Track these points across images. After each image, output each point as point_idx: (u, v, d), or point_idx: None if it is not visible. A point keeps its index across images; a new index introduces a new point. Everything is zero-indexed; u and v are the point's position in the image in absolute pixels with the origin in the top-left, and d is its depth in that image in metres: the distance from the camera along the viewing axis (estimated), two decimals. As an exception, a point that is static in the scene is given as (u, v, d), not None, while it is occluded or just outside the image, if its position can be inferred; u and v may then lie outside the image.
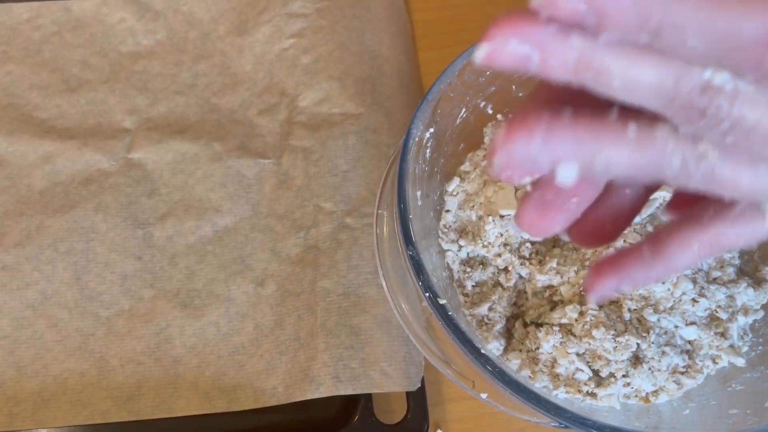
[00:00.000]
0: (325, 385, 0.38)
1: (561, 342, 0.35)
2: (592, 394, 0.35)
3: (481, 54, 0.17)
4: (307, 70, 0.47)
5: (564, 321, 0.36)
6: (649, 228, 0.38)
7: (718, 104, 0.17)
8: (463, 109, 0.39)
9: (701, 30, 0.16)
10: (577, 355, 0.35)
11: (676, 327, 0.36)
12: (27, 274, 0.41)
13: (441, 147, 0.38)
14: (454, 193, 0.41)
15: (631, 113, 0.18)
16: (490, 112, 0.42)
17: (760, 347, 0.37)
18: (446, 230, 0.40)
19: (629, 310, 0.36)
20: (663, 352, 0.36)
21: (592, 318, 0.35)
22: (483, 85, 0.39)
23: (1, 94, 0.47)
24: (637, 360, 0.35)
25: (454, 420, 0.40)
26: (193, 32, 0.49)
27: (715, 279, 0.38)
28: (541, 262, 0.38)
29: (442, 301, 0.31)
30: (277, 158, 0.45)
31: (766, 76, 0.17)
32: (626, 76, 0.17)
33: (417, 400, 0.38)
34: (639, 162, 0.18)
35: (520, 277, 0.38)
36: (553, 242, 0.39)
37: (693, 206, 0.22)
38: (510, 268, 0.38)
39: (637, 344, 0.35)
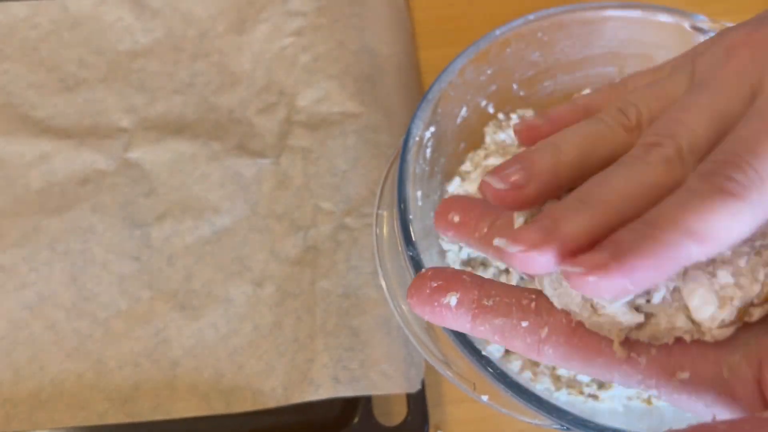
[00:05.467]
0: (324, 386, 0.37)
1: (563, 343, 0.35)
2: (594, 396, 0.35)
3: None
4: (306, 68, 0.47)
5: (566, 322, 0.35)
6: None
7: None
8: (464, 108, 0.39)
9: None
10: (579, 356, 0.35)
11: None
12: (24, 275, 0.41)
13: (441, 146, 0.38)
14: (455, 193, 0.40)
15: None
16: (491, 111, 0.41)
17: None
18: (447, 230, 0.39)
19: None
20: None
21: (594, 319, 0.35)
22: (484, 84, 0.39)
23: (-2, 93, 0.46)
24: (639, 361, 0.35)
25: (455, 422, 0.40)
26: (191, 31, 0.49)
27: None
28: (542, 263, 0.38)
29: (442, 303, 0.31)
30: (276, 158, 0.45)
31: None
32: None
33: (417, 401, 0.38)
34: None
35: (522, 278, 0.38)
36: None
37: None
38: (511, 269, 0.38)
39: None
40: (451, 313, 0.22)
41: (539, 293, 0.22)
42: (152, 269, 0.42)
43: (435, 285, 0.22)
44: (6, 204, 0.43)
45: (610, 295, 0.18)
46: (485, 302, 0.22)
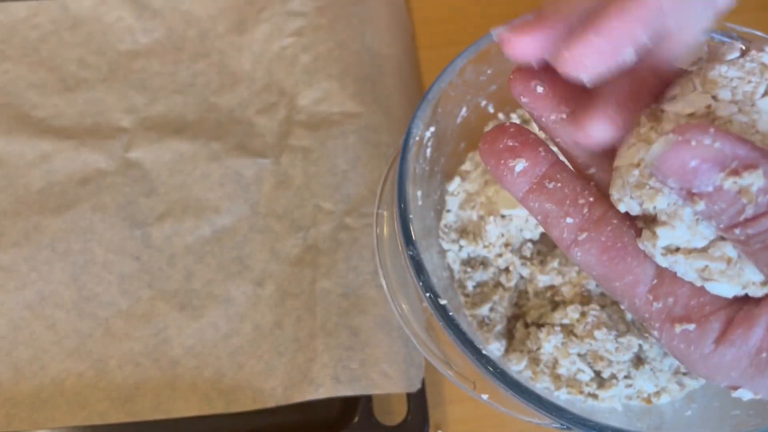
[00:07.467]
0: (324, 386, 0.37)
1: (562, 343, 0.35)
2: (594, 395, 0.35)
3: None
4: (306, 68, 0.47)
5: (565, 321, 0.35)
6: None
7: None
8: (464, 108, 0.39)
9: None
10: (579, 355, 0.35)
11: (679, 327, 0.36)
12: (24, 275, 0.41)
13: (441, 146, 0.38)
14: (455, 193, 0.40)
15: None
16: (491, 111, 0.41)
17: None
18: (447, 230, 0.39)
19: (631, 310, 0.36)
20: (665, 353, 0.35)
21: (594, 318, 0.35)
22: (484, 84, 0.39)
23: (-1, 93, 0.47)
24: (639, 361, 0.35)
25: (455, 421, 0.40)
26: (191, 31, 0.49)
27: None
28: (542, 263, 0.38)
29: (442, 302, 0.31)
30: (276, 158, 0.45)
31: None
32: None
33: (417, 401, 0.38)
34: None
35: (521, 277, 0.38)
36: (555, 243, 0.39)
37: None
38: (511, 269, 0.38)
39: (639, 345, 0.35)
40: (512, 176, 0.23)
41: (597, 197, 0.22)
42: (153, 269, 0.42)
43: (510, 144, 0.23)
44: (6, 204, 0.43)
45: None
46: (546, 183, 0.22)
